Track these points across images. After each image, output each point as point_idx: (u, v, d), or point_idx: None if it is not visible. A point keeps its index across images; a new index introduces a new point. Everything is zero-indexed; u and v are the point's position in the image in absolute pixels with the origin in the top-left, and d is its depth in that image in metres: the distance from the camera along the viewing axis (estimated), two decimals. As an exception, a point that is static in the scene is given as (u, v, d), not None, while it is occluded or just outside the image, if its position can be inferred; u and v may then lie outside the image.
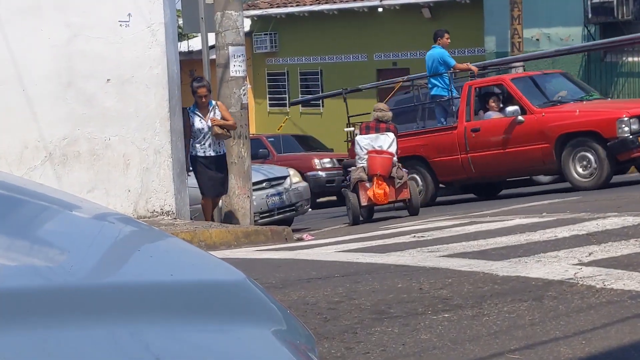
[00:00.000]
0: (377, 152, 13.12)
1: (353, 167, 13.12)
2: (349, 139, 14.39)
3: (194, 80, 13.08)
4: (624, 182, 13.81)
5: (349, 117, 18.26)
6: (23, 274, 1.13)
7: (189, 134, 12.82)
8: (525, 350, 4.06)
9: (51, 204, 1.58)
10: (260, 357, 1.02)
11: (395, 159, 13.57)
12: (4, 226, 1.46)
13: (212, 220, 12.80)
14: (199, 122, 12.45)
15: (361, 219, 13.22)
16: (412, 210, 13.46)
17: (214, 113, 12.29)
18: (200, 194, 13.28)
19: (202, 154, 12.89)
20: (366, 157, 13.22)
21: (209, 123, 12.41)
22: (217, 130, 12.03)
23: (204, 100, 12.45)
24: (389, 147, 13.28)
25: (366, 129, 13.70)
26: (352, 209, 13.15)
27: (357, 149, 13.27)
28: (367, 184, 13.07)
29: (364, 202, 13.14)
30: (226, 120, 12.31)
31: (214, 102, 12.29)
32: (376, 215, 14.05)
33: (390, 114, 14.51)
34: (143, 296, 1.04)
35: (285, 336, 1.18)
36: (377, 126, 13.60)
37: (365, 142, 13.28)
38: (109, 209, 1.71)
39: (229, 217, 11.83)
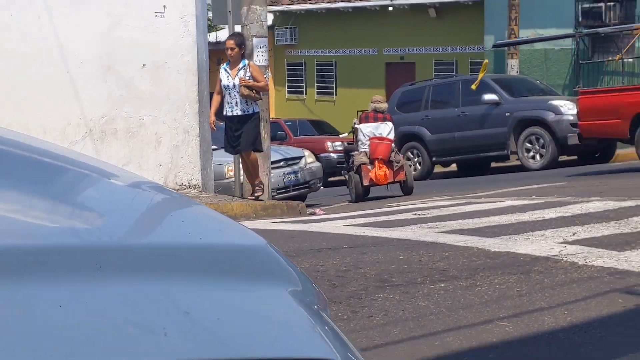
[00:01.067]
0: (378, 138, 13.70)
1: (355, 152, 13.64)
2: (353, 128, 14.57)
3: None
4: (610, 170, 13.55)
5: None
6: (64, 234, 1.17)
7: (219, 90, 12.14)
8: (512, 318, 4.08)
9: (91, 172, 1.58)
10: (278, 314, 1.04)
11: (393, 145, 14.13)
12: (49, 191, 1.46)
13: (254, 180, 12.78)
14: (225, 79, 11.75)
15: (365, 198, 13.37)
16: (406, 190, 14.05)
17: (245, 73, 11.41)
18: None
19: (230, 113, 12.08)
20: (368, 142, 13.71)
21: (236, 81, 11.66)
22: (244, 91, 11.29)
23: (231, 54, 11.61)
24: (388, 134, 13.89)
25: (366, 118, 14.13)
26: (355, 188, 13.66)
27: (360, 136, 13.73)
28: (369, 167, 13.56)
29: (365, 183, 13.64)
30: (257, 81, 11.49)
31: (246, 62, 11.44)
32: (371, 195, 14.54)
33: (386, 105, 15.20)
34: (174, 257, 1.09)
35: (301, 296, 1.18)
36: (375, 116, 14.08)
37: (367, 130, 13.75)
38: (144, 177, 1.71)
39: (250, 192, 11.76)
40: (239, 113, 11.64)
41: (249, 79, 11.00)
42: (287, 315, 1.11)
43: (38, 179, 1.51)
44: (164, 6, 11.11)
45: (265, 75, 11.99)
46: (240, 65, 11.00)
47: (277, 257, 1.18)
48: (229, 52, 11.33)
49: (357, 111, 16.28)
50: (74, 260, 1.02)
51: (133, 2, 11.00)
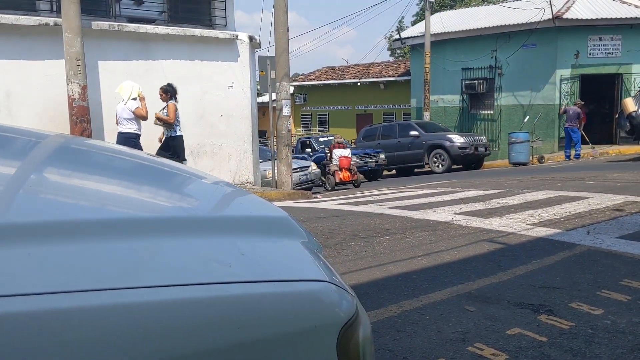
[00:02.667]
0: (344, 157, 14.91)
1: (330, 164, 15.02)
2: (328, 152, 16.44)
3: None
4: (480, 173, 13.57)
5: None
6: (178, 210, 1.18)
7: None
8: (426, 256, 4.22)
9: (191, 175, 1.60)
10: (293, 254, 1.07)
11: (352, 160, 15.55)
12: (168, 185, 1.54)
13: None
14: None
15: (335, 189, 15.18)
16: (357, 184, 14.99)
17: (162, 110, 9.11)
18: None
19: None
20: (338, 159, 15.00)
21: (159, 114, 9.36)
22: (156, 121, 9.17)
23: (161, 97, 9.29)
24: (348, 154, 15.07)
25: (335, 147, 15.47)
26: (330, 184, 14.82)
27: (334, 156, 15.13)
28: (339, 172, 14.89)
29: (337, 181, 14.80)
30: (167, 116, 9.06)
31: (166, 104, 9.14)
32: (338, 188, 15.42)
33: (343, 139, 17.22)
34: (237, 223, 1.19)
35: (307, 244, 1.24)
36: (339, 146, 15.42)
37: (338, 153, 15.05)
38: (221, 178, 1.72)
39: (280, 186, 11.62)
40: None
41: (163, 114, 9.12)
42: (298, 255, 1.14)
43: (161, 179, 1.56)
44: (233, 82, 11.23)
45: (289, 121, 11.85)
46: (164, 105, 9.26)
47: (294, 223, 1.23)
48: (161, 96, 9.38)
49: (331, 143, 18.99)
50: (183, 225, 1.08)
51: (215, 80, 11.38)
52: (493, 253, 4.35)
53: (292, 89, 33.02)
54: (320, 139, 20.94)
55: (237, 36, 12.14)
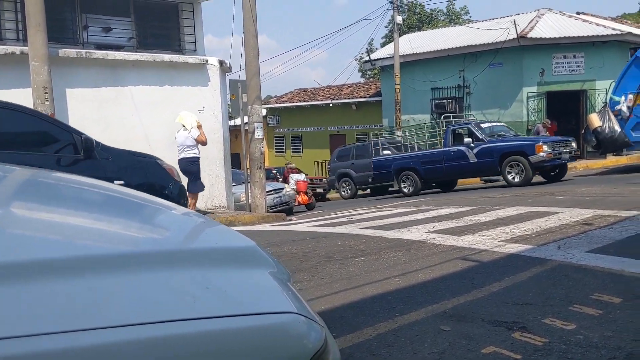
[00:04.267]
0: (301, 181, 16.08)
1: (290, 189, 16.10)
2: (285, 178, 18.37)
3: None
4: (453, 191, 13.75)
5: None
6: (148, 243, 1.17)
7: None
8: (401, 276, 4.30)
9: (160, 206, 1.58)
10: (260, 285, 1.06)
11: (306, 184, 16.77)
12: (137, 217, 1.54)
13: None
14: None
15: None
16: (310, 207, 15.84)
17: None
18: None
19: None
20: (295, 184, 15.97)
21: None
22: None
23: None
24: (304, 179, 16.33)
25: (291, 172, 17.13)
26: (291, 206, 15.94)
27: (291, 180, 16.16)
28: (298, 196, 15.74)
29: (296, 204, 15.52)
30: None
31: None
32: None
33: (294, 165, 19.77)
34: (202, 255, 1.11)
35: (276, 274, 1.25)
36: (294, 171, 17.09)
37: (295, 177, 16.16)
38: (189, 210, 1.71)
39: (254, 209, 11.55)
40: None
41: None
42: (266, 287, 1.14)
43: (132, 211, 1.47)
44: (203, 106, 11.17)
45: (262, 144, 11.97)
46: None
47: (261, 253, 1.22)
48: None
49: (286, 166, 20.23)
50: (147, 259, 1.07)
51: (185, 104, 11.20)
52: (467, 271, 4.36)
53: (264, 112, 33.04)
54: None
55: (207, 61, 12.14)
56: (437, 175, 14.78)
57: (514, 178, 13.01)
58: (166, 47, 12.36)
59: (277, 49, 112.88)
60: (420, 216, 8.12)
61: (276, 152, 34.08)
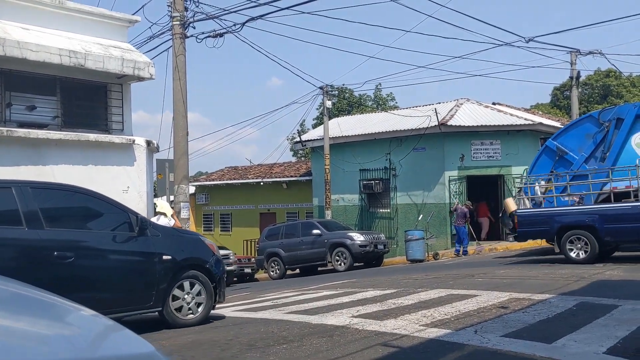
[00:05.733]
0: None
1: None
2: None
3: None
4: (380, 271, 13.88)
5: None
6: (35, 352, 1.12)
7: None
8: None
9: (67, 304, 1.54)
10: None
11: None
12: (45, 316, 1.41)
13: None
14: None
15: None
16: None
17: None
18: None
19: None
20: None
21: None
22: None
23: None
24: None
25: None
26: None
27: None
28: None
29: None
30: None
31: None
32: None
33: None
34: None
35: None
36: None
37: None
38: (91, 311, 1.65)
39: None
40: None
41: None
42: None
43: (37, 310, 1.41)
44: (128, 187, 10.90)
45: (188, 223, 11.82)
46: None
47: (161, 357, 1.17)
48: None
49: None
50: None
51: (109, 184, 11.01)
52: (387, 358, 4.34)
53: (193, 189, 32.59)
54: None
55: (134, 140, 12.09)
56: (625, 237, 11.48)
57: None
58: (92, 127, 12.25)
59: (211, 126, 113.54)
60: (345, 299, 8.10)
61: (204, 230, 33.68)
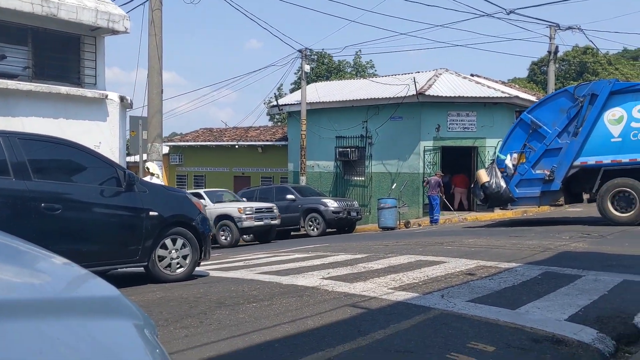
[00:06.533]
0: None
1: None
2: None
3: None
4: (351, 237, 14.01)
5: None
6: (26, 289, 1.09)
7: None
8: (290, 323, 4.38)
9: (39, 252, 1.51)
10: (120, 339, 1.01)
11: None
12: (17, 262, 1.40)
13: None
14: None
15: None
16: None
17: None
18: None
19: None
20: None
21: None
22: None
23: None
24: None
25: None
26: None
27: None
28: None
29: None
30: None
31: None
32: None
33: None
34: (57, 305, 1.02)
35: (140, 327, 1.20)
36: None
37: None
38: (63, 258, 1.63)
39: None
40: None
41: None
42: (126, 340, 1.09)
43: (7, 257, 1.38)
44: (100, 142, 10.63)
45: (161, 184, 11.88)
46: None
47: (127, 302, 1.16)
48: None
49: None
50: (29, 307, 1.01)
51: (81, 139, 10.46)
52: (355, 318, 4.44)
53: (167, 149, 32.20)
54: None
55: (106, 95, 11.87)
56: None
57: None
58: (64, 79, 11.94)
59: (187, 85, 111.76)
60: (317, 262, 8.18)
61: (178, 191, 34.61)
